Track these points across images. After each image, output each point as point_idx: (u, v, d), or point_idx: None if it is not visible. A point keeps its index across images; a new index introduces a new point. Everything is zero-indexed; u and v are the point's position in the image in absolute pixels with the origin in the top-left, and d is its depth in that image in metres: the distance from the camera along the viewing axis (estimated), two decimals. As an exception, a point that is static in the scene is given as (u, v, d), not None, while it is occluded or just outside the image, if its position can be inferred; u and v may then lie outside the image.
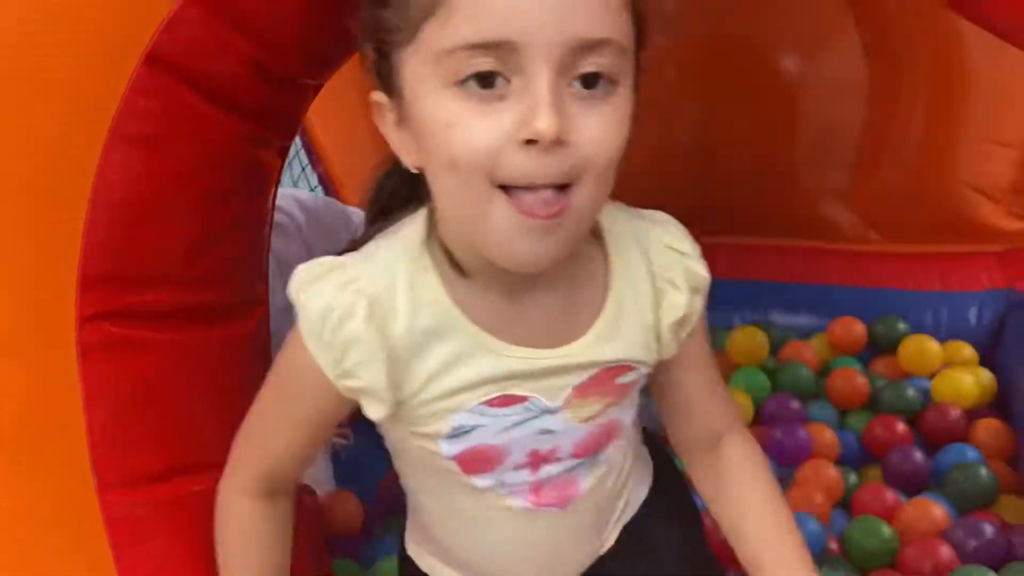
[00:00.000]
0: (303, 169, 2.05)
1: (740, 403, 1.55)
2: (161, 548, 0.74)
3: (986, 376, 1.60)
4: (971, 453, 1.44)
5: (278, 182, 0.88)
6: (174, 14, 0.64)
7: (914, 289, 1.81)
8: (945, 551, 1.21)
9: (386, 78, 0.60)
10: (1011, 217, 1.78)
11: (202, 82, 0.68)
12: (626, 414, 0.74)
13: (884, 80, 1.76)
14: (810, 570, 0.74)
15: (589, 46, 0.56)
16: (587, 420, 0.70)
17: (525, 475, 0.71)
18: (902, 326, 1.72)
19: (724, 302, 1.87)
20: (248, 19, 0.70)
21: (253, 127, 0.74)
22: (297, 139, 1.93)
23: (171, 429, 0.75)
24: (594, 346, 0.67)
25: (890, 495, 1.38)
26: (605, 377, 0.69)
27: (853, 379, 1.60)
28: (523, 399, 0.67)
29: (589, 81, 0.56)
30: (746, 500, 0.78)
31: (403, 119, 0.61)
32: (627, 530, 0.81)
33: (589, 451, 0.72)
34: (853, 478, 1.46)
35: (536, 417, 0.68)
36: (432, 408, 0.67)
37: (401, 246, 0.66)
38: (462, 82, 0.55)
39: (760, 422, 1.57)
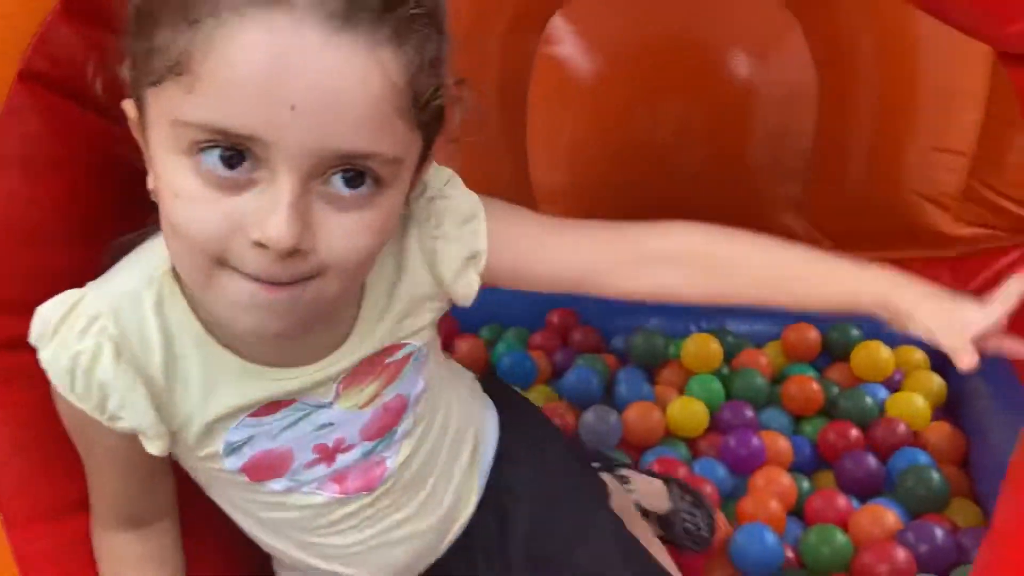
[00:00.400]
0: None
1: (695, 411, 1.52)
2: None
3: (937, 382, 1.58)
4: (923, 458, 1.41)
5: None
6: (46, 26, 0.59)
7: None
8: (901, 555, 1.17)
9: (134, 91, 0.53)
10: (961, 223, 1.76)
11: (89, 94, 0.63)
12: (410, 386, 0.70)
13: (833, 88, 1.74)
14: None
15: (349, 157, 0.50)
16: (366, 405, 0.67)
17: (322, 469, 0.69)
18: (855, 332, 1.69)
19: (680, 311, 1.85)
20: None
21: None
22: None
23: (75, 461, 0.70)
24: (353, 351, 0.65)
25: (843, 501, 1.35)
26: (371, 362, 0.67)
27: (808, 386, 1.57)
28: (290, 402, 0.65)
29: (351, 180, 0.50)
30: (739, 253, 0.72)
31: (146, 144, 0.54)
32: (489, 484, 0.81)
33: (379, 432, 0.70)
34: (806, 484, 1.43)
35: (308, 415, 0.65)
36: (203, 432, 0.64)
37: (146, 274, 0.61)
38: (200, 152, 0.48)
39: (714, 430, 1.54)
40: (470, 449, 0.81)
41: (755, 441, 1.45)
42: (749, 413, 1.54)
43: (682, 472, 1.36)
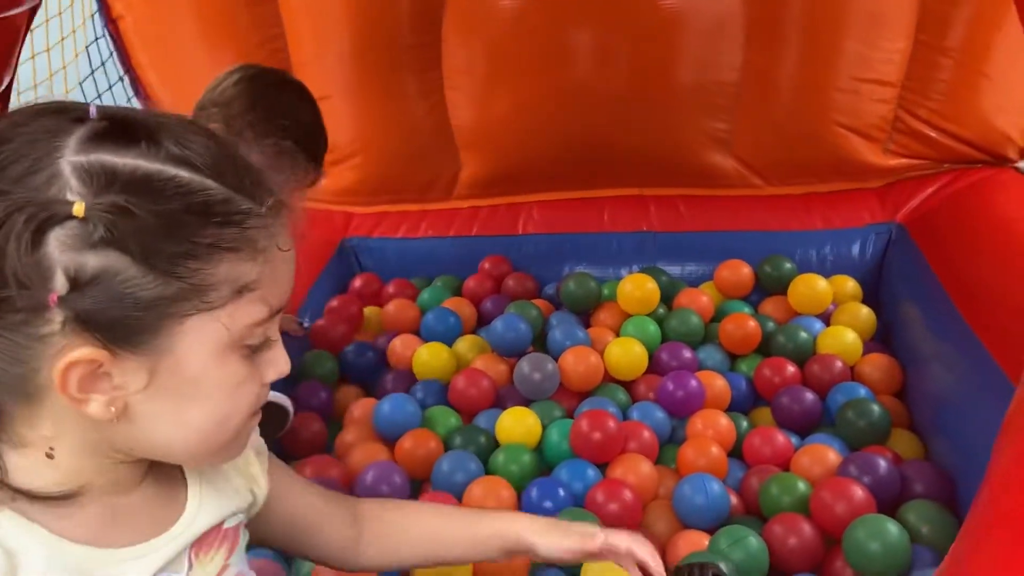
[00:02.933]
0: (120, 78, 1.85)
1: (634, 352, 1.41)
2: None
3: (865, 313, 1.50)
4: (862, 391, 1.33)
5: None
6: None
7: (798, 230, 1.70)
8: (859, 492, 1.08)
9: (120, 332, 0.50)
10: (888, 154, 1.68)
11: None
12: (243, 565, 0.68)
13: (760, 18, 1.61)
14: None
15: None
16: None
17: None
18: (788, 265, 1.60)
19: (610, 255, 1.74)
20: None
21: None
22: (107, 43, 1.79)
23: None
24: (195, 519, 0.63)
25: (781, 438, 1.26)
26: (215, 528, 0.65)
27: (745, 324, 1.47)
28: None
29: None
30: (416, 515, 0.83)
31: (129, 374, 0.52)
32: None
33: None
34: (744, 424, 1.34)
35: None
36: None
37: None
38: (249, 345, 0.55)
39: (652, 372, 1.43)
40: None
41: (693, 383, 1.34)
42: (687, 354, 1.44)
43: (612, 424, 1.24)
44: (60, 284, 0.47)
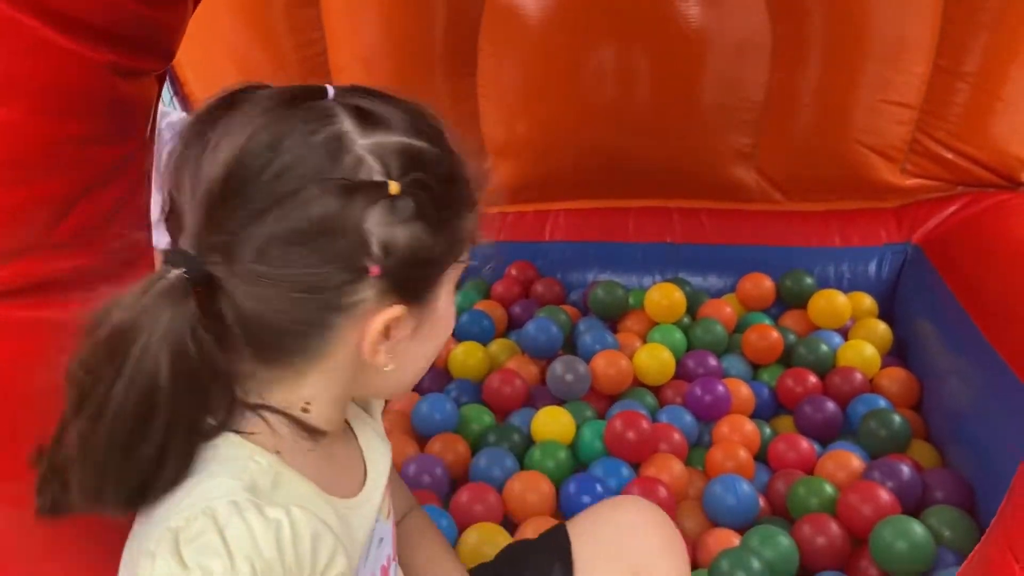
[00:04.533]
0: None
1: (662, 358, 1.48)
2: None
3: (883, 329, 1.57)
4: (882, 402, 1.40)
5: (156, 112, 0.72)
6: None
7: (817, 246, 1.77)
8: (884, 495, 1.15)
9: (416, 290, 0.58)
10: (906, 175, 1.76)
11: (54, 9, 0.53)
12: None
13: (786, 39, 1.69)
14: None
15: None
16: (388, 517, 0.72)
17: None
18: (809, 280, 1.67)
19: (635, 264, 1.81)
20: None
21: (123, 57, 0.60)
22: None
23: (30, 427, 0.59)
24: (380, 466, 0.69)
25: (806, 444, 1.33)
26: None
27: (769, 335, 1.54)
28: None
29: None
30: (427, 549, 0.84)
31: (406, 325, 0.59)
32: None
33: (396, 555, 0.74)
34: (768, 430, 1.41)
35: (376, 525, 0.67)
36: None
37: (261, 476, 0.55)
38: None
39: (678, 378, 1.50)
40: None
41: (720, 389, 1.41)
42: (713, 362, 1.51)
43: (645, 425, 1.31)
44: (377, 256, 0.53)
